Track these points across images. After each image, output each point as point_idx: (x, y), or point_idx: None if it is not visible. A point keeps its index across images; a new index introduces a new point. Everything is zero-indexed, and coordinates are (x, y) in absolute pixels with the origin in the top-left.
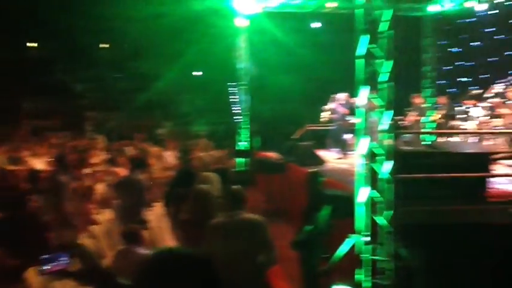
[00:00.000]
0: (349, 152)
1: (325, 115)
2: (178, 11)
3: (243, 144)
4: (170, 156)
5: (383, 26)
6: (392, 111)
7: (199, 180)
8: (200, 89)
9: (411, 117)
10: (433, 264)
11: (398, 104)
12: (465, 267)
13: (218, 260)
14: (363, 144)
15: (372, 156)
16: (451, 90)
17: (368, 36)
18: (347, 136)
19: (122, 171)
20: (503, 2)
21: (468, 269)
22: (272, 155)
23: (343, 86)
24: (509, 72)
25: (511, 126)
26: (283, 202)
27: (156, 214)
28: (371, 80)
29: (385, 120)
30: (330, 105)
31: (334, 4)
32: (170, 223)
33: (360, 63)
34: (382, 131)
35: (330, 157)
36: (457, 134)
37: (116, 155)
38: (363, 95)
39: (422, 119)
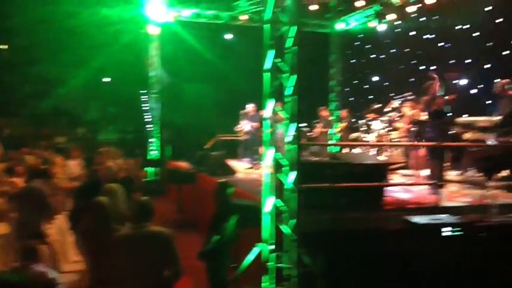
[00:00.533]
0: (259, 162)
1: (239, 127)
2: (87, 15)
3: (154, 153)
4: (75, 166)
5: (289, 42)
6: (296, 124)
7: (103, 191)
8: (109, 96)
9: (318, 129)
10: (334, 270)
11: (307, 116)
12: (364, 271)
13: (124, 273)
14: (269, 155)
15: (277, 166)
16: (356, 103)
17: (274, 51)
18: (259, 147)
19: (20, 182)
20: (402, 23)
21: (366, 273)
22: (183, 164)
23: (255, 96)
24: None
25: (405, 139)
26: (193, 212)
27: (58, 227)
28: (277, 94)
29: (290, 132)
30: (242, 125)
31: (246, 17)
32: (73, 236)
33: (267, 76)
34: (287, 143)
35: (241, 167)
36: (357, 145)
37: (14, 164)
38: (269, 108)
39: (329, 130)
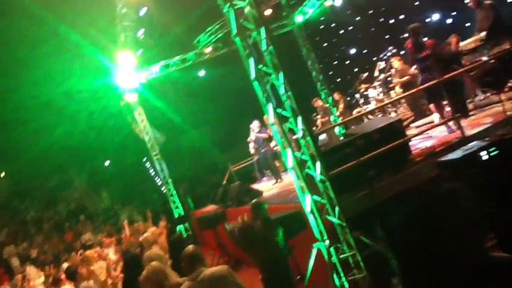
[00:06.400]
0: (282, 175)
1: (251, 146)
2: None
3: (178, 210)
4: (112, 253)
5: (263, 45)
6: (300, 117)
7: (147, 259)
8: (114, 179)
9: (318, 120)
10: (395, 240)
11: (304, 113)
12: (421, 228)
13: None
14: (288, 157)
15: (300, 164)
16: (345, 82)
17: (252, 59)
18: (272, 162)
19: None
20: None
21: (424, 229)
22: (209, 208)
23: (250, 116)
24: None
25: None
26: (236, 251)
27: None
28: (273, 96)
29: (298, 127)
30: (251, 136)
31: (210, 49)
32: None
33: (256, 85)
34: (300, 138)
35: (265, 187)
36: (364, 115)
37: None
38: (270, 112)
39: (331, 118)
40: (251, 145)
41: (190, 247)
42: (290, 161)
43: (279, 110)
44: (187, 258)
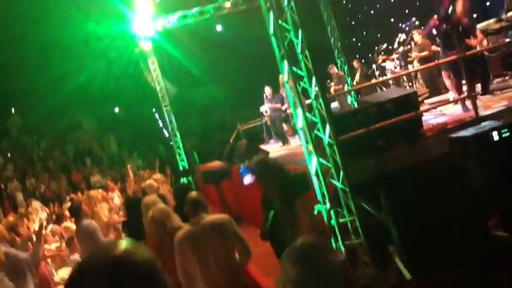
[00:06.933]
0: (290, 139)
1: (265, 115)
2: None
3: (182, 163)
4: (116, 197)
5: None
6: (315, 78)
7: (152, 203)
8: (123, 126)
9: (332, 88)
10: (397, 212)
11: (319, 76)
12: (426, 203)
13: (196, 266)
14: (299, 117)
15: (310, 125)
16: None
17: (272, 13)
18: (282, 126)
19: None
20: None
21: (429, 204)
22: (215, 164)
23: (263, 80)
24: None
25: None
26: (238, 207)
27: None
28: (289, 56)
29: (312, 88)
30: (265, 107)
31: (229, 4)
32: None
33: (274, 40)
34: (313, 99)
35: (273, 148)
36: (379, 83)
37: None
38: (285, 69)
39: (345, 87)
40: (264, 113)
41: (194, 193)
42: (300, 121)
43: (294, 69)
44: (191, 203)
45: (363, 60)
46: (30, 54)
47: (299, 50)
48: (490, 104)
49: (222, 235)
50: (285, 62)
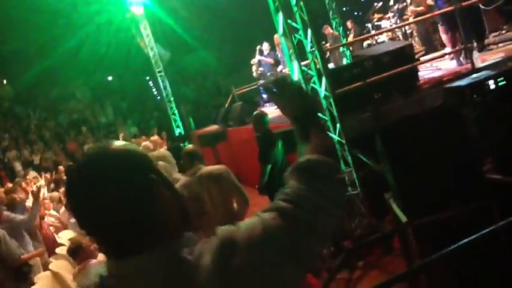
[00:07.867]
0: None
1: (254, 69)
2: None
3: (178, 129)
4: None
5: None
6: (310, 30)
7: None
8: (118, 92)
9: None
10: (394, 163)
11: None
12: (423, 154)
13: (193, 215)
14: (295, 70)
15: (306, 79)
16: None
17: None
18: None
19: None
20: None
21: (427, 155)
22: (211, 128)
23: (258, 41)
24: None
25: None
26: (235, 167)
27: None
28: (285, 8)
29: (308, 40)
30: (256, 59)
31: None
32: None
33: None
34: (309, 52)
35: (268, 110)
36: (375, 35)
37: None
38: (280, 22)
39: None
40: (254, 68)
41: (190, 146)
42: (296, 75)
43: (289, 21)
44: (187, 155)
45: (362, 20)
46: (16, 18)
47: (294, 1)
48: (486, 58)
49: (219, 184)
50: (280, 15)
